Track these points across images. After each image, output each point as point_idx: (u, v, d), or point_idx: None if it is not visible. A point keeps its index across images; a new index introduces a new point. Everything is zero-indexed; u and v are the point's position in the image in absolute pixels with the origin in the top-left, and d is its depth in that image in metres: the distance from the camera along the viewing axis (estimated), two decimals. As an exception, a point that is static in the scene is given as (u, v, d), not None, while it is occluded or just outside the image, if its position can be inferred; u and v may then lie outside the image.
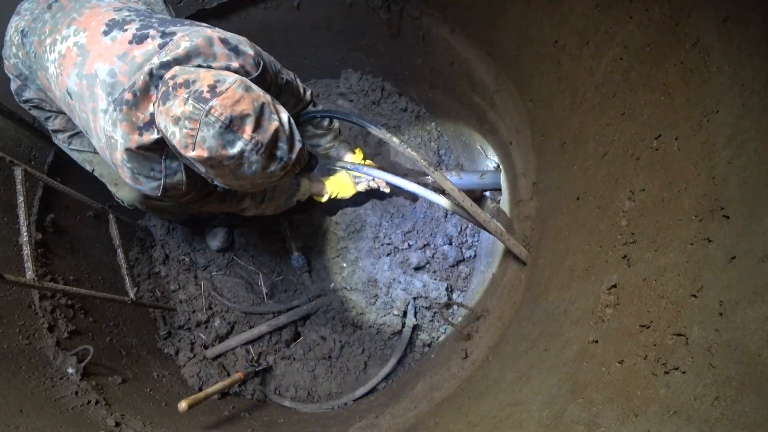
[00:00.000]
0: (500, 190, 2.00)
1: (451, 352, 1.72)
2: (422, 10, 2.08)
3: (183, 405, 1.51)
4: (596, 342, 0.96)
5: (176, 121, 1.03)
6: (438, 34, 2.08)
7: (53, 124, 1.53)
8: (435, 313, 2.19)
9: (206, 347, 2.17)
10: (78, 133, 1.56)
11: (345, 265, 2.34)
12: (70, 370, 1.46)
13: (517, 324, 1.42)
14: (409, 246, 2.33)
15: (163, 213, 2.03)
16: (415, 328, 2.19)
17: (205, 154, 1.03)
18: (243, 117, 1.03)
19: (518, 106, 1.77)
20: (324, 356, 2.20)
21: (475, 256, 2.31)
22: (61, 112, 1.46)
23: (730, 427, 0.61)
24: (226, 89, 1.02)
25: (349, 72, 2.55)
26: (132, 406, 1.56)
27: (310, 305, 2.23)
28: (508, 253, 1.64)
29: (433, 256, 2.31)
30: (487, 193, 2.18)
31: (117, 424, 1.42)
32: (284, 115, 1.11)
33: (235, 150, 1.04)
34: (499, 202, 2.05)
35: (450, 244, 2.34)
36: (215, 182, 1.18)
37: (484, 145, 2.15)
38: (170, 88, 1.05)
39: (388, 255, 2.33)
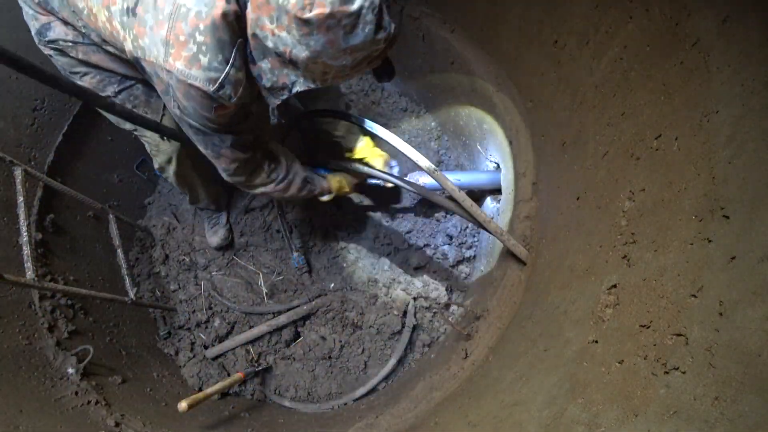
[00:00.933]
0: (500, 190, 2.00)
1: (451, 352, 1.72)
2: (422, 10, 2.08)
3: (183, 405, 1.51)
4: (596, 342, 0.96)
5: None
6: (438, 34, 2.08)
7: (83, 81, 1.44)
8: (435, 313, 2.19)
9: (206, 347, 2.18)
10: (118, 75, 1.46)
11: (345, 265, 2.34)
12: (70, 370, 1.46)
13: (517, 324, 1.42)
14: (409, 246, 2.33)
15: (193, 173, 1.93)
16: (415, 328, 2.19)
17: (326, 10, 0.97)
18: None
19: (518, 106, 1.78)
20: (324, 356, 2.20)
21: (475, 256, 2.31)
22: (89, 54, 1.36)
23: (730, 427, 0.61)
24: None
25: (349, 72, 2.55)
26: (132, 406, 1.56)
27: (310, 305, 2.23)
28: (508, 253, 1.64)
29: (433, 256, 2.31)
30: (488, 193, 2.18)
31: (117, 424, 1.42)
32: None
33: (354, 6, 0.98)
34: (499, 202, 2.05)
35: (450, 244, 2.34)
36: (310, 65, 1.09)
37: (484, 145, 2.15)
38: None
39: (388, 255, 2.33)
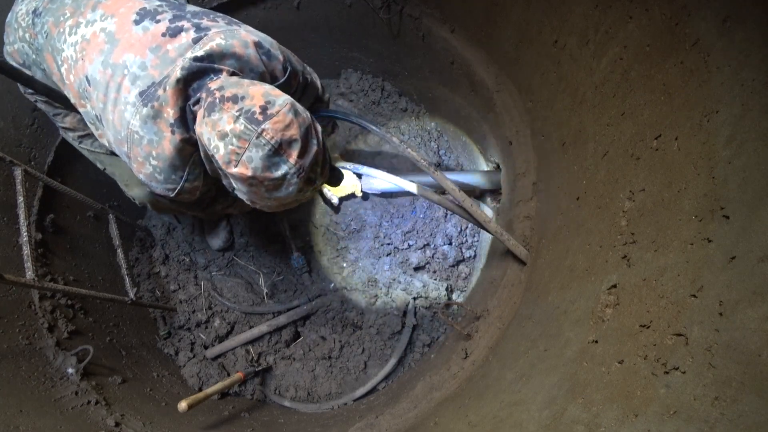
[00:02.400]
0: (500, 190, 2.00)
1: (451, 352, 1.72)
2: (422, 10, 2.08)
3: (183, 405, 1.51)
4: (596, 342, 0.96)
5: (223, 136, 1.02)
6: (438, 34, 2.08)
7: (63, 122, 1.50)
8: (435, 313, 2.19)
9: (206, 347, 2.17)
10: (89, 134, 1.53)
11: (345, 265, 2.34)
12: (70, 370, 1.46)
13: (517, 324, 1.42)
14: (409, 246, 2.33)
15: (170, 211, 2.02)
16: (415, 328, 2.19)
17: (248, 173, 1.04)
18: (291, 142, 1.04)
19: (518, 106, 1.78)
20: (324, 356, 2.20)
21: (475, 256, 2.31)
22: (69, 109, 1.43)
23: (730, 427, 0.61)
24: (277, 112, 1.03)
25: (349, 72, 2.55)
26: (132, 406, 1.56)
27: (310, 305, 2.23)
28: (508, 253, 1.64)
29: (433, 256, 2.31)
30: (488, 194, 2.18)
31: (117, 424, 1.42)
32: (320, 136, 1.13)
33: (279, 173, 1.05)
34: (499, 202, 2.05)
35: (450, 244, 2.34)
36: (240, 195, 1.17)
37: (484, 145, 2.15)
38: (217, 100, 1.04)
39: (388, 255, 2.33)
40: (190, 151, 1.16)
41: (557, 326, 1.15)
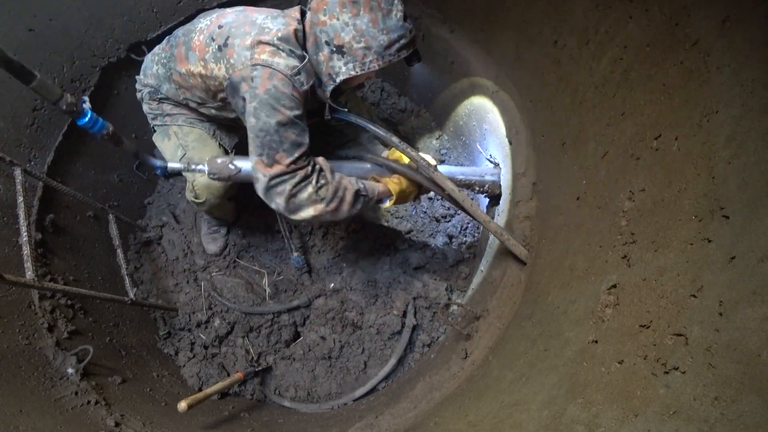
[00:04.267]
0: (500, 190, 2.00)
1: (451, 352, 1.72)
2: (422, 10, 2.08)
3: (183, 405, 1.51)
4: (596, 342, 0.96)
5: None
6: (438, 34, 2.09)
7: (180, 111, 1.80)
8: (435, 313, 2.19)
9: (206, 347, 2.18)
10: (200, 120, 1.82)
11: (345, 265, 2.34)
12: (70, 370, 1.46)
13: (517, 324, 1.42)
14: (409, 246, 2.33)
15: (216, 206, 1.98)
16: (415, 328, 2.19)
17: None
18: None
19: (518, 106, 1.78)
20: (324, 356, 2.20)
21: (475, 256, 2.31)
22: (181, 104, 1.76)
23: (730, 427, 0.61)
24: None
25: (349, 72, 2.55)
26: (132, 406, 1.56)
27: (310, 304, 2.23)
28: (508, 253, 1.64)
29: (433, 256, 2.31)
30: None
31: (117, 424, 1.42)
32: None
33: None
34: (498, 202, 2.04)
35: (450, 244, 2.34)
36: (353, 42, 1.36)
37: (484, 145, 2.15)
38: None
39: (388, 255, 2.33)
40: (302, 45, 1.48)
41: (557, 326, 1.15)
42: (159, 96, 1.76)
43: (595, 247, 1.11)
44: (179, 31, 1.65)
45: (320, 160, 1.55)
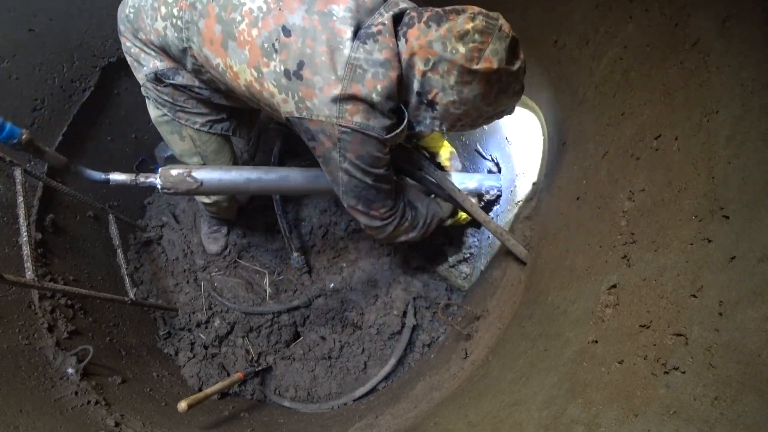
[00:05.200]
0: (500, 190, 2.00)
1: (451, 352, 1.72)
2: (422, 10, 2.07)
3: (183, 405, 1.51)
4: (596, 342, 0.96)
5: (462, 35, 1.07)
6: (438, 34, 2.07)
7: (197, 108, 1.52)
8: (435, 313, 2.19)
9: (206, 347, 2.18)
10: (221, 120, 1.59)
11: (345, 265, 2.34)
12: (70, 370, 1.46)
13: (517, 324, 1.42)
14: (409, 246, 2.33)
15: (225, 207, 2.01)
16: (415, 328, 2.19)
17: (494, 65, 1.09)
18: (517, 40, 1.14)
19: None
20: (324, 356, 2.20)
21: (475, 256, 2.31)
22: (215, 90, 1.42)
23: (730, 427, 0.61)
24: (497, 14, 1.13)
25: (349, 72, 2.55)
26: (132, 406, 1.56)
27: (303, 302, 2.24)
28: (508, 253, 1.64)
29: (433, 257, 2.31)
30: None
31: (117, 424, 1.42)
32: None
33: (515, 67, 1.13)
34: (499, 202, 2.04)
35: (450, 244, 2.34)
36: (454, 109, 1.18)
37: (484, 145, 2.15)
38: (441, 12, 1.11)
39: (388, 255, 2.33)
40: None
41: (557, 326, 1.15)
42: (171, 81, 1.42)
43: (595, 247, 1.11)
44: None
45: (407, 194, 1.57)
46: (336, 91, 1.10)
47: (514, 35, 1.11)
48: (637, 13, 1.05)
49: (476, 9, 1.11)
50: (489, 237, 2.05)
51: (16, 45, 1.65)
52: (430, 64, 1.12)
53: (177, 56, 1.34)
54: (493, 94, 1.16)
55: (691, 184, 0.83)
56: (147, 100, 1.56)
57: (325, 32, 1.10)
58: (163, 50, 1.37)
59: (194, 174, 1.44)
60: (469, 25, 1.07)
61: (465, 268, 2.30)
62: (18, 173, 1.44)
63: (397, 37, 1.14)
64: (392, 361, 2.11)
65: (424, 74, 1.14)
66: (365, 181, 1.28)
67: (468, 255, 2.32)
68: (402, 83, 1.16)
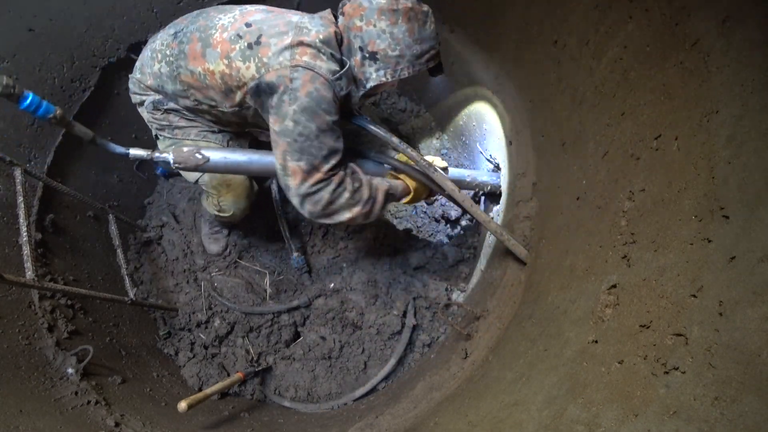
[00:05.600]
0: (500, 190, 2.00)
1: (451, 352, 1.72)
2: (422, 10, 2.07)
3: (183, 405, 1.51)
4: (596, 342, 0.96)
5: None
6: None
7: (192, 124, 1.70)
8: (435, 313, 2.19)
9: (206, 347, 2.17)
10: (214, 131, 1.74)
11: (345, 265, 2.34)
12: (70, 370, 1.46)
13: (517, 324, 1.42)
14: (409, 246, 2.33)
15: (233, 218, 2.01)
16: (415, 328, 2.19)
17: (409, 4, 1.36)
18: None
19: (518, 106, 1.78)
20: (324, 356, 2.20)
21: (475, 256, 2.31)
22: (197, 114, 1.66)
23: (730, 427, 0.61)
24: None
25: (349, 72, 2.55)
26: (132, 406, 1.56)
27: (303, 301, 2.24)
28: (508, 253, 1.64)
29: (433, 256, 2.31)
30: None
31: (117, 424, 1.42)
32: None
33: (425, 7, 1.40)
34: (499, 202, 2.05)
35: (450, 244, 2.34)
36: (387, 48, 1.39)
37: (484, 145, 2.15)
38: None
39: (388, 255, 2.33)
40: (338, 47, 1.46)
41: (557, 326, 1.15)
42: (165, 107, 1.65)
43: (595, 247, 1.11)
44: (190, 27, 1.51)
45: (353, 162, 1.58)
46: (287, 41, 1.36)
47: None
48: (637, 13, 1.05)
49: None
50: (489, 237, 2.05)
51: (16, 45, 1.65)
52: (363, 18, 1.37)
53: (169, 90, 1.58)
54: (416, 29, 1.38)
55: (691, 184, 0.83)
56: (151, 130, 1.77)
57: (282, 20, 1.43)
58: (158, 91, 1.62)
59: (203, 151, 1.59)
60: None
61: (465, 268, 2.30)
62: (18, 173, 1.44)
63: (336, 18, 1.47)
64: (392, 361, 2.11)
65: (360, 29, 1.38)
66: (310, 127, 1.37)
67: (468, 255, 2.32)
68: (342, 43, 1.44)
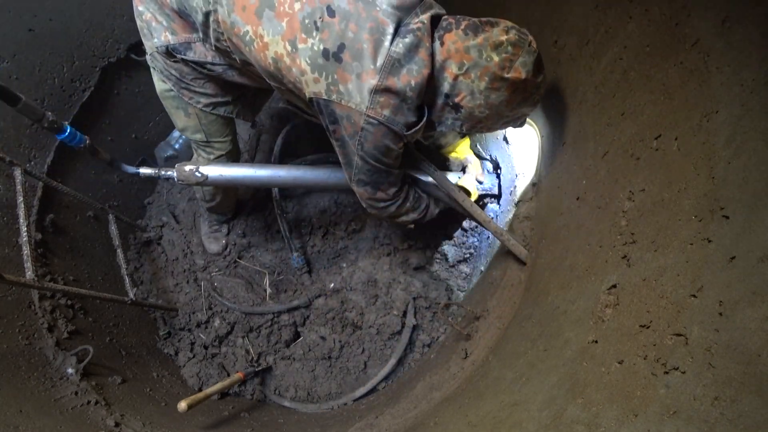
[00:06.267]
0: (500, 190, 2.00)
1: (451, 352, 1.72)
2: (422, 10, 2.07)
3: (183, 405, 1.51)
4: (596, 342, 0.96)
5: (497, 46, 1.15)
6: (438, 34, 2.07)
7: (203, 88, 1.52)
8: (435, 313, 2.19)
9: (206, 347, 2.18)
10: (226, 102, 1.60)
11: (345, 265, 2.34)
12: (70, 370, 1.46)
13: (517, 324, 1.42)
14: (409, 246, 2.33)
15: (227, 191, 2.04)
16: (415, 328, 2.19)
17: (522, 76, 1.17)
18: (541, 56, 1.22)
19: (518, 106, 1.77)
20: (324, 356, 2.20)
21: (475, 256, 2.31)
22: (227, 68, 1.42)
23: (730, 427, 0.61)
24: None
25: (349, 72, 2.55)
26: (132, 406, 1.56)
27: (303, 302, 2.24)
28: (508, 253, 1.64)
29: (433, 256, 2.31)
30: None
31: (117, 425, 1.42)
32: None
33: (539, 79, 1.22)
34: (498, 202, 2.05)
35: (450, 244, 2.34)
36: (478, 112, 1.24)
37: (484, 145, 2.15)
38: (478, 22, 1.19)
39: (388, 255, 2.33)
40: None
41: (557, 326, 1.15)
42: (182, 56, 1.41)
43: (595, 247, 1.11)
44: None
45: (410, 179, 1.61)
46: (373, 81, 1.12)
47: (539, 51, 1.20)
48: (637, 13, 1.05)
49: (509, 23, 1.19)
50: (489, 237, 2.05)
51: (16, 45, 1.65)
52: (464, 68, 1.17)
53: (196, 21, 1.30)
54: (517, 102, 1.24)
55: (691, 184, 0.83)
56: (152, 71, 1.54)
57: (369, 20, 1.11)
58: (179, 15, 1.34)
59: (201, 170, 1.71)
60: (504, 37, 1.15)
61: (465, 268, 2.30)
62: (18, 173, 1.44)
63: (432, 38, 1.17)
64: (392, 361, 2.11)
65: (456, 77, 1.19)
66: (378, 167, 1.33)
67: (468, 255, 2.32)
68: (430, 84, 1.20)
